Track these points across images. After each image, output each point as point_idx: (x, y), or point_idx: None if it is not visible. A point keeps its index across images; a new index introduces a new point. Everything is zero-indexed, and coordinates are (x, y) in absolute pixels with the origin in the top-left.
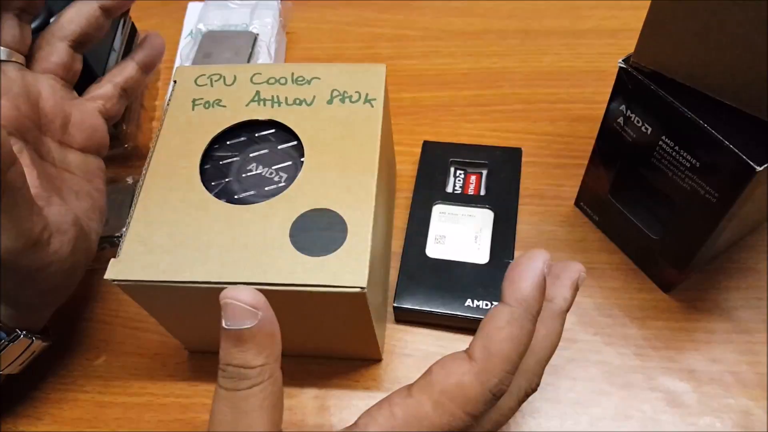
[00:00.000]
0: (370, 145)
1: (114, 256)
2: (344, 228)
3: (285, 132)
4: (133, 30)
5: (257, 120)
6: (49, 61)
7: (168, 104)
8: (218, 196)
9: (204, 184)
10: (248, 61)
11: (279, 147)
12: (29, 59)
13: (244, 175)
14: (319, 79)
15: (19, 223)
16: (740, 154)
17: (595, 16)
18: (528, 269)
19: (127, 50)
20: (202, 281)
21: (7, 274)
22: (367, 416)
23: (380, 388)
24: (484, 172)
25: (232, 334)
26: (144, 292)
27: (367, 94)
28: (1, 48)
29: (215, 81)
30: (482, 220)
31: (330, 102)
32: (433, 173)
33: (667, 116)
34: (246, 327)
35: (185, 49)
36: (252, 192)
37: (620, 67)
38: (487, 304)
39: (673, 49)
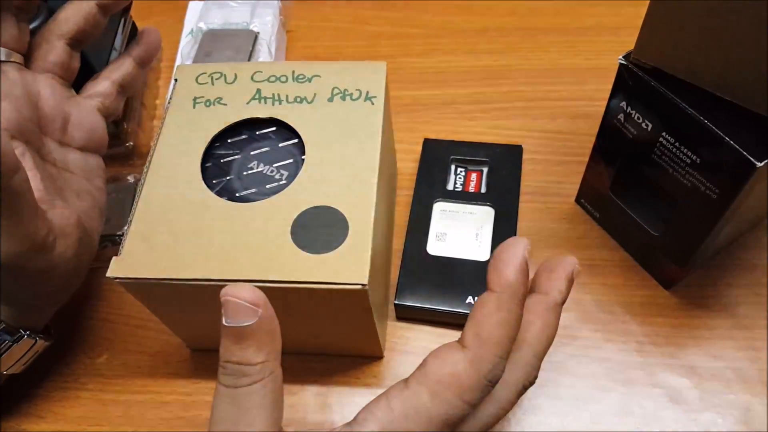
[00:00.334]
0: (370, 143)
1: (116, 255)
2: (345, 225)
3: (286, 130)
4: (134, 29)
5: (258, 118)
6: (47, 60)
7: (169, 102)
8: (219, 194)
9: (205, 182)
10: (249, 60)
11: (280, 145)
12: (27, 58)
13: (245, 173)
14: (319, 76)
15: (24, 227)
16: (741, 150)
17: (595, 14)
18: (510, 256)
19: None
20: (203, 279)
21: (11, 277)
22: (365, 411)
23: (381, 385)
24: (485, 170)
25: (232, 332)
26: (146, 289)
27: (367, 92)
28: (0, 48)
29: (216, 79)
30: (483, 217)
31: (331, 100)
32: (434, 171)
33: (668, 113)
34: (246, 324)
35: (186, 47)
36: (253, 190)
37: (620, 64)
38: None
39: (674, 45)
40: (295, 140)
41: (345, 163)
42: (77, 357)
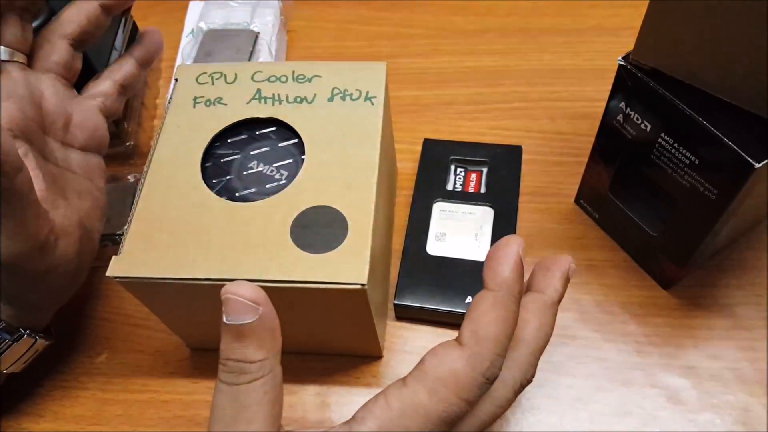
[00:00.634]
0: (370, 143)
1: (116, 254)
2: (345, 225)
3: (286, 130)
4: (135, 29)
5: (258, 118)
6: (50, 60)
7: (169, 102)
8: (219, 193)
9: (205, 182)
10: (249, 60)
11: (280, 145)
12: (29, 58)
13: (245, 173)
14: (319, 77)
15: (27, 227)
16: (739, 151)
17: (595, 15)
18: (505, 254)
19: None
20: (203, 278)
21: (13, 276)
22: (364, 410)
23: (381, 384)
24: (485, 170)
25: (232, 329)
26: (145, 289)
27: (367, 92)
28: (3, 48)
29: (216, 79)
30: (482, 217)
31: (331, 100)
32: (434, 171)
33: (667, 113)
34: (246, 322)
35: (186, 47)
36: (253, 189)
37: (619, 65)
38: None
39: (673, 46)
40: (295, 140)
41: (345, 163)
42: (77, 356)
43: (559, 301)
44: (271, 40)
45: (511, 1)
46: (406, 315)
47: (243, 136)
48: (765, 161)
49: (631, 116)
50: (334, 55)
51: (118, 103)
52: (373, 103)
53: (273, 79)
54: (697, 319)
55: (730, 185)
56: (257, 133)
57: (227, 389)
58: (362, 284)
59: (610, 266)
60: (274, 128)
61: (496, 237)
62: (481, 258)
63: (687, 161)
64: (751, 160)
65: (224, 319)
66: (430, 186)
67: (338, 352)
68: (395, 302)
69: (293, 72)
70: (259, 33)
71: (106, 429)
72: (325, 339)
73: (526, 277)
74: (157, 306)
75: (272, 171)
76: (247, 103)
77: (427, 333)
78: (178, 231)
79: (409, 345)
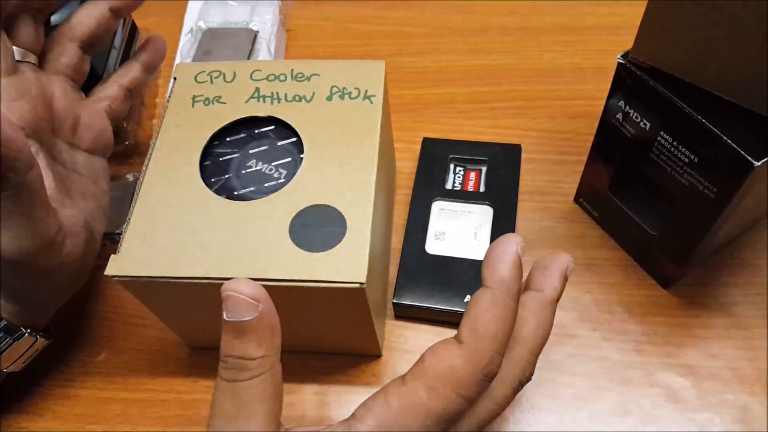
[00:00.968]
0: (369, 142)
1: (115, 253)
2: (343, 224)
3: (284, 128)
4: (134, 28)
5: (257, 117)
6: (60, 62)
7: (168, 101)
8: (218, 192)
9: (204, 181)
10: (248, 59)
11: (278, 143)
12: (40, 59)
13: (243, 172)
14: (318, 75)
15: (36, 224)
16: (738, 149)
17: (595, 13)
18: (504, 252)
19: (128, 48)
20: (202, 277)
21: (19, 273)
22: (363, 408)
23: (380, 383)
24: (484, 169)
25: (233, 326)
26: (144, 287)
27: (366, 91)
28: (16, 48)
29: (215, 78)
30: (482, 216)
31: (329, 98)
32: (433, 170)
33: (666, 112)
34: (247, 319)
35: (185, 46)
36: (252, 188)
37: (619, 63)
38: None
39: (672, 44)
40: (294, 139)
41: (343, 162)
42: (76, 355)
43: (558, 300)
44: (270, 39)
45: (511, 0)
46: (405, 314)
47: (242, 135)
48: (764, 159)
49: (631, 115)
50: (333, 53)
51: (124, 107)
52: (372, 102)
53: (272, 77)
54: (696, 318)
55: (729, 183)
56: (256, 131)
57: (227, 386)
58: (361, 283)
59: (609, 265)
60: (272, 127)
61: (495, 236)
62: (481, 257)
63: (686, 159)
64: (750, 158)
65: (224, 316)
66: (429, 185)
67: (337, 351)
68: (394, 301)
69: (292, 71)
70: (258, 32)
71: (105, 428)
72: (324, 338)
73: (525, 275)
74: (156, 305)
75: (271, 170)
76: (246, 102)
77: (426, 332)
78: (176, 230)
79: (408, 344)
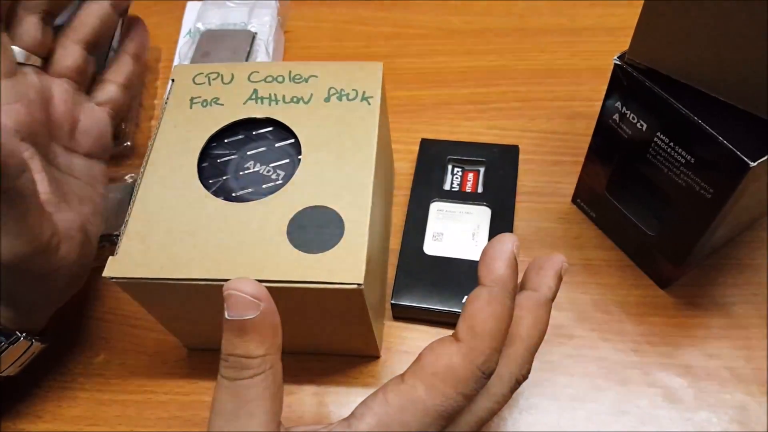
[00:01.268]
0: (367, 143)
1: (113, 254)
2: (341, 225)
3: (282, 130)
4: None
5: (255, 118)
6: (64, 65)
7: (166, 103)
8: (216, 193)
9: (202, 182)
10: (246, 60)
11: (276, 145)
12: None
13: (241, 173)
14: (316, 77)
15: (30, 229)
16: (734, 149)
17: (592, 14)
18: (500, 251)
19: None
20: (199, 278)
21: (14, 278)
22: (362, 406)
23: (379, 384)
24: (482, 170)
25: (234, 325)
26: (142, 289)
27: (364, 92)
28: (18, 49)
29: (213, 79)
30: (479, 217)
31: (327, 100)
32: (431, 171)
33: (662, 113)
34: (248, 318)
35: (184, 48)
36: (249, 189)
37: (615, 64)
38: None
39: (668, 45)
40: (292, 140)
41: (341, 163)
42: (75, 357)
43: (553, 299)
44: (268, 41)
45: (508, 1)
46: (403, 315)
47: (240, 137)
48: (760, 160)
49: (627, 115)
50: (331, 55)
51: (125, 105)
52: (369, 103)
53: (270, 79)
54: (694, 318)
55: (726, 184)
56: (254, 133)
57: (228, 384)
58: (359, 284)
59: (607, 265)
60: (270, 128)
61: (493, 236)
62: (478, 257)
63: (683, 160)
64: (746, 159)
65: (226, 315)
66: (427, 186)
67: (336, 352)
68: (392, 302)
69: (290, 72)
70: (256, 33)
71: (103, 429)
72: (323, 339)
73: (520, 276)
74: (154, 306)
75: (269, 171)
76: (244, 104)
77: (424, 333)
78: (174, 231)
79: (406, 345)
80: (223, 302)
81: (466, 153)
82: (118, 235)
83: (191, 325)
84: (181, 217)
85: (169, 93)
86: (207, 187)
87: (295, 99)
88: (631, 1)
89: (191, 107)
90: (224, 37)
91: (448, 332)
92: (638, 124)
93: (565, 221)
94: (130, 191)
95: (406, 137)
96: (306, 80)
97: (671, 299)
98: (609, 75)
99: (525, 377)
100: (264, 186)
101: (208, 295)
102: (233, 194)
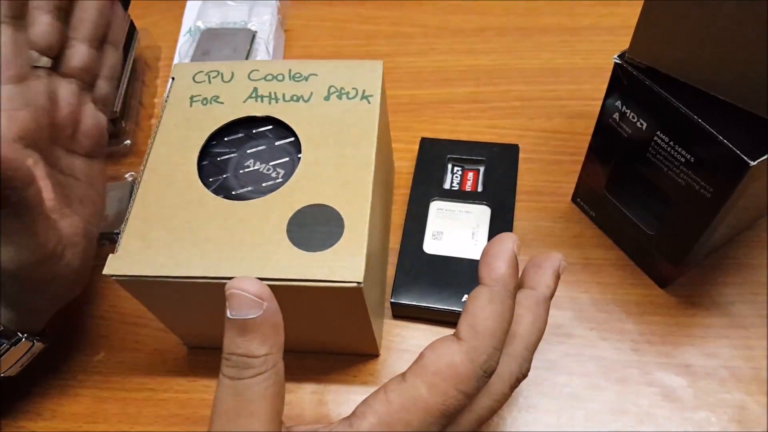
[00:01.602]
0: (366, 142)
1: (113, 252)
2: (341, 223)
3: (282, 128)
4: (132, 28)
5: (255, 116)
6: (70, 66)
7: (166, 101)
8: (216, 192)
9: (202, 181)
10: (246, 59)
11: (276, 143)
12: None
13: (241, 171)
14: (316, 75)
15: (37, 238)
16: (734, 149)
17: (592, 13)
18: (500, 251)
19: (126, 48)
20: (199, 276)
21: (19, 284)
22: (363, 405)
23: (378, 383)
24: (482, 169)
25: (236, 324)
26: (142, 287)
27: (364, 91)
28: (34, 52)
29: (213, 78)
30: (479, 216)
31: (327, 98)
32: (431, 170)
33: (662, 112)
34: (251, 317)
35: (184, 46)
36: (249, 188)
37: (615, 63)
38: None
39: (668, 44)
40: (292, 139)
41: (341, 162)
42: (75, 355)
43: (551, 297)
44: (268, 39)
45: (508, 1)
46: (403, 313)
47: (239, 135)
48: (760, 159)
49: (627, 115)
50: (331, 53)
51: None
52: (369, 102)
53: (269, 77)
54: (693, 318)
55: (726, 183)
56: (254, 131)
57: (230, 383)
58: (358, 282)
59: (606, 265)
60: (270, 127)
61: (492, 235)
62: (478, 256)
63: (682, 159)
64: (745, 158)
65: (228, 314)
66: (427, 185)
67: (335, 351)
68: (392, 300)
69: (290, 70)
70: (256, 32)
71: (103, 427)
72: (322, 337)
73: (519, 275)
74: (155, 304)
75: (269, 169)
76: (244, 102)
77: (424, 331)
78: (174, 229)
79: (406, 343)
80: (225, 301)
81: (466, 152)
82: (118, 234)
83: (191, 323)
84: (181, 215)
85: (169, 91)
86: (207, 185)
87: (295, 97)
88: (631, 1)
89: (191, 105)
90: (224, 35)
91: (448, 331)
92: (638, 123)
93: (564, 220)
94: (130, 190)
95: (406, 136)
96: (306, 79)
97: (670, 298)
98: (609, 74)
99: (525, 375)
100: (264, 184)
101: (207, 292)
102: (233, 192)
